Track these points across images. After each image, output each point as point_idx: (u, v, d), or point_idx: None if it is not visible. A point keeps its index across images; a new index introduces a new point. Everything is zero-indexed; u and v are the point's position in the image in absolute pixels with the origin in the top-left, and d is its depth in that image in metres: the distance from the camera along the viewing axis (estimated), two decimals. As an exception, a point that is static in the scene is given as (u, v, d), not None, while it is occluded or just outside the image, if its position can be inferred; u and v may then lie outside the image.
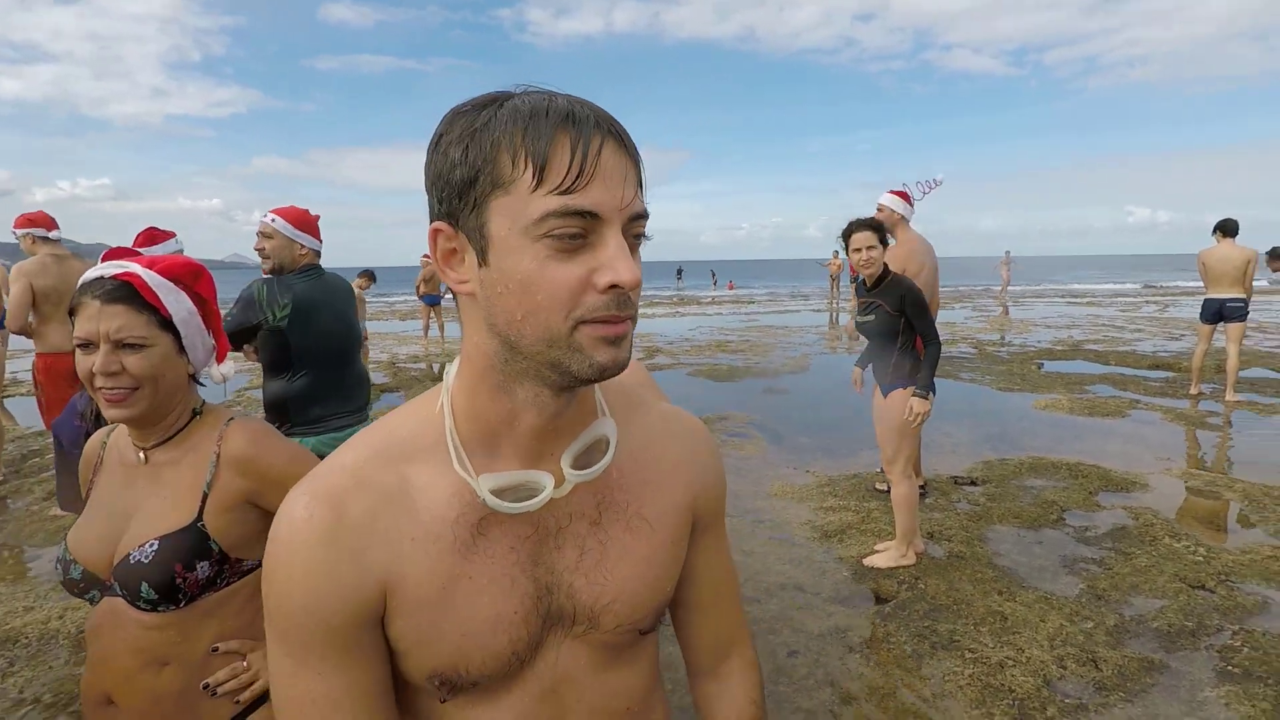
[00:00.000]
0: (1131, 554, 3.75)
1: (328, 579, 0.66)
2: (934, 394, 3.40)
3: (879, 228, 3.50)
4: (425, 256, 10.72)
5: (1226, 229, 7.37)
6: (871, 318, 3.54)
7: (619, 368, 0.65)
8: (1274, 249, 8.12)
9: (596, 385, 0.78)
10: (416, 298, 14.07)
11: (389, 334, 16.00)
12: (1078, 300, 24.39)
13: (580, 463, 0.73)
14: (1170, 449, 5.76)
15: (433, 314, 13.81)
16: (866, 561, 3.73)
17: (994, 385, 8.55)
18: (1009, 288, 20.58)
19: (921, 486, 4.76)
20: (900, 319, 3.45)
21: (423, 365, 11.04)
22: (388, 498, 0.69)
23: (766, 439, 6.33)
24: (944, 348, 11.97)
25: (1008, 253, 21.31)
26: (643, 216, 0.65)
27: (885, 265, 3.51)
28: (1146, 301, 23.24)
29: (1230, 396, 7.41)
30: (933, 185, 4.52)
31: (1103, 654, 2.85)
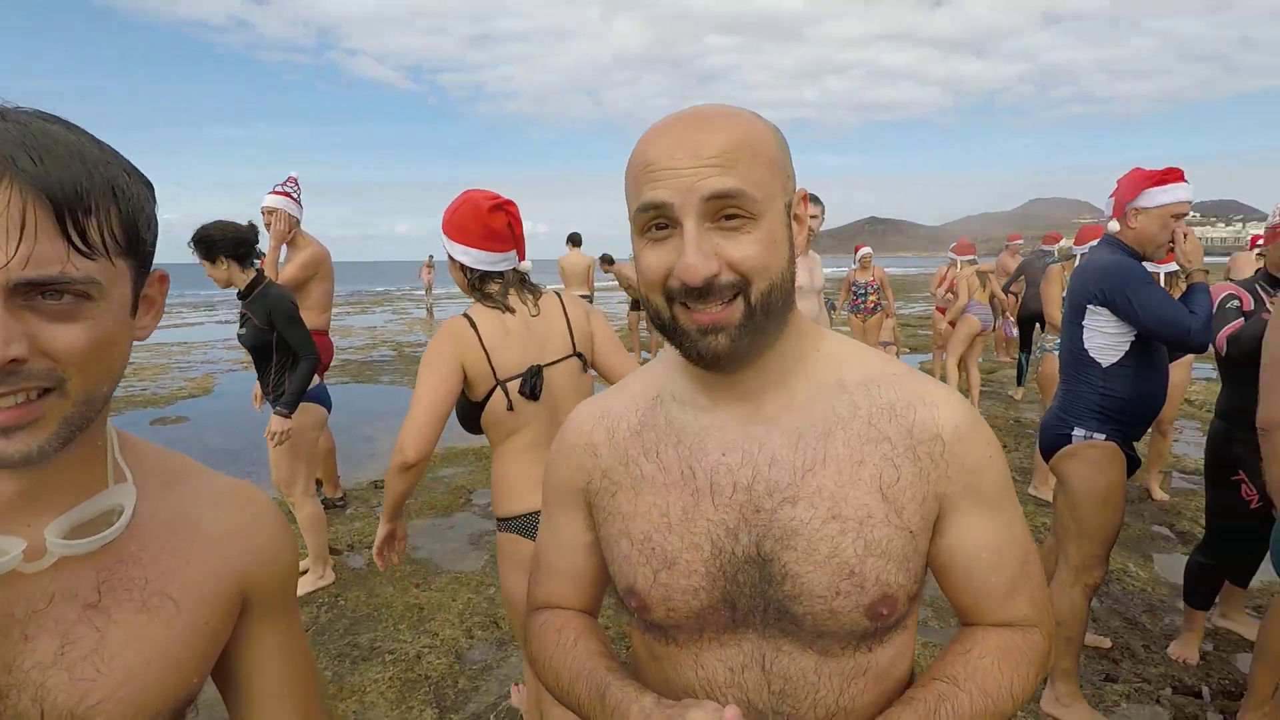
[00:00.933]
0: (522, 518, 4.41)
1: None
2: (328, 409, 3.35)
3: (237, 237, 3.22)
4: None
5: (575, 240, 9.30)
6: (244, 331, 3.28)
7: None
8: (603, 255, 10.63)
9: (116, 454, 0.67)
10: None
11: None
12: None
13: (78, 534, 0.61)
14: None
15: None
16: None
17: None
18: (433, 291, 22.06)
19: (340, 498, 4.68)
20: (271, 333, 3.23)
21: None
22: None
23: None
24: (366, 352, 12.12)
25: (431, 257, 22.84)
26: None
27: (259, 273, 3.26)
28: (533, 300, 27.86)
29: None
30: (292, 186, 4.32)
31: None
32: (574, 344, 1.90)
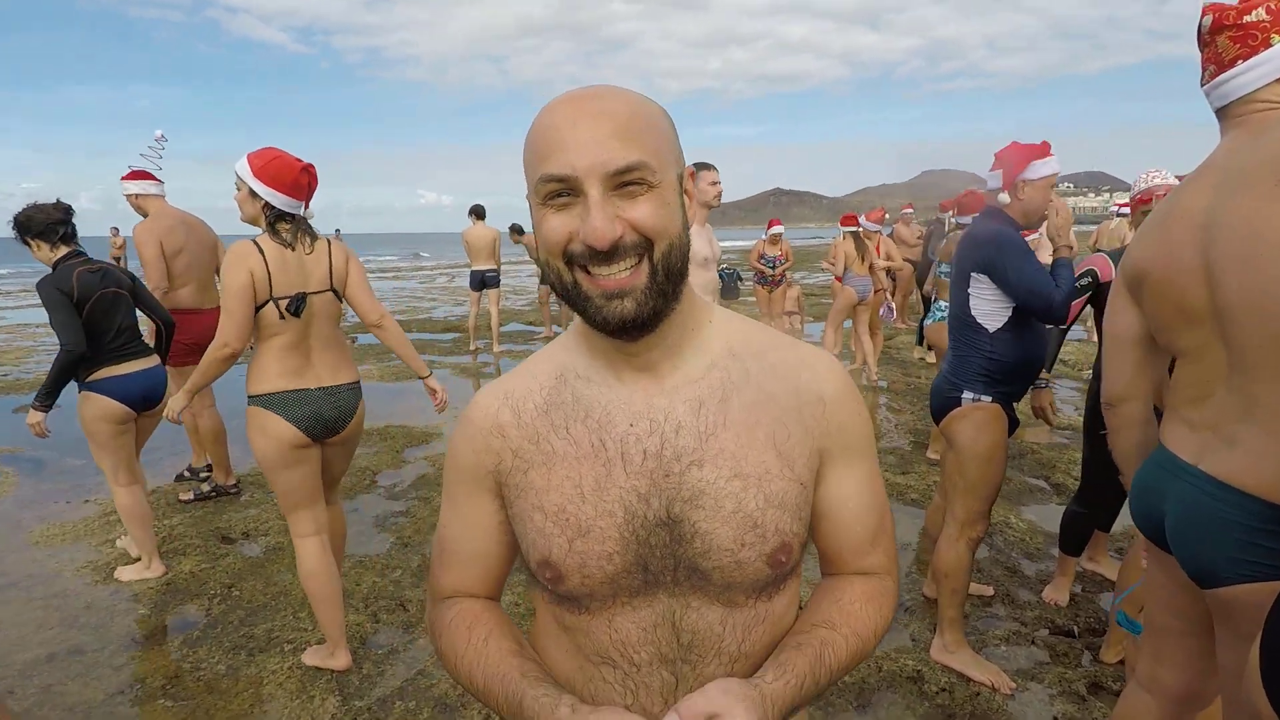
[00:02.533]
0: (430, 498, 4.30)
1: None
2: (145, 398, 3.29)
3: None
4: None
5: (478, 213, 9.03)
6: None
7: None
8: (513, 225, 10.38)
9: None
10: None
11: None
12: (386, 275, 26.73)
13: None
14: (458, 398, 6.77)
15: None
16: (117, 575, 3.41)
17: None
18: None
19: (234, 484, 4.43)
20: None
21: None
22: None
23: (22, 471, 4.90)
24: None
25: (337, 231, 21.70)
26: None
27: (71, 253, 3.18)
28: (440, 273, 27.09)
29: (496, 348, 9.26)
30: (158, 144, 4.19)
31: (408, 595, 3.18)
32: (331, 282, 2.50)
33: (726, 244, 37.69)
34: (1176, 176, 2.84)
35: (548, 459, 0.83)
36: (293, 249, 2.39)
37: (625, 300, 0.73)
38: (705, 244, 3.96)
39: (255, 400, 2.42)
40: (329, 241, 2.51)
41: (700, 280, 3.96)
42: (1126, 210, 8.52)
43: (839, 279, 7.13)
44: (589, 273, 0.74)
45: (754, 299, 9.51)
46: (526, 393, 0.87)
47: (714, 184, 3.84)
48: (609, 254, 0.71)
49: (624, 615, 0.82)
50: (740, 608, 0.83)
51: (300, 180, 2.38)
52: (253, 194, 2.36)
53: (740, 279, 8.02)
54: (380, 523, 3.99)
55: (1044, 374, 2.78)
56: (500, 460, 0.86)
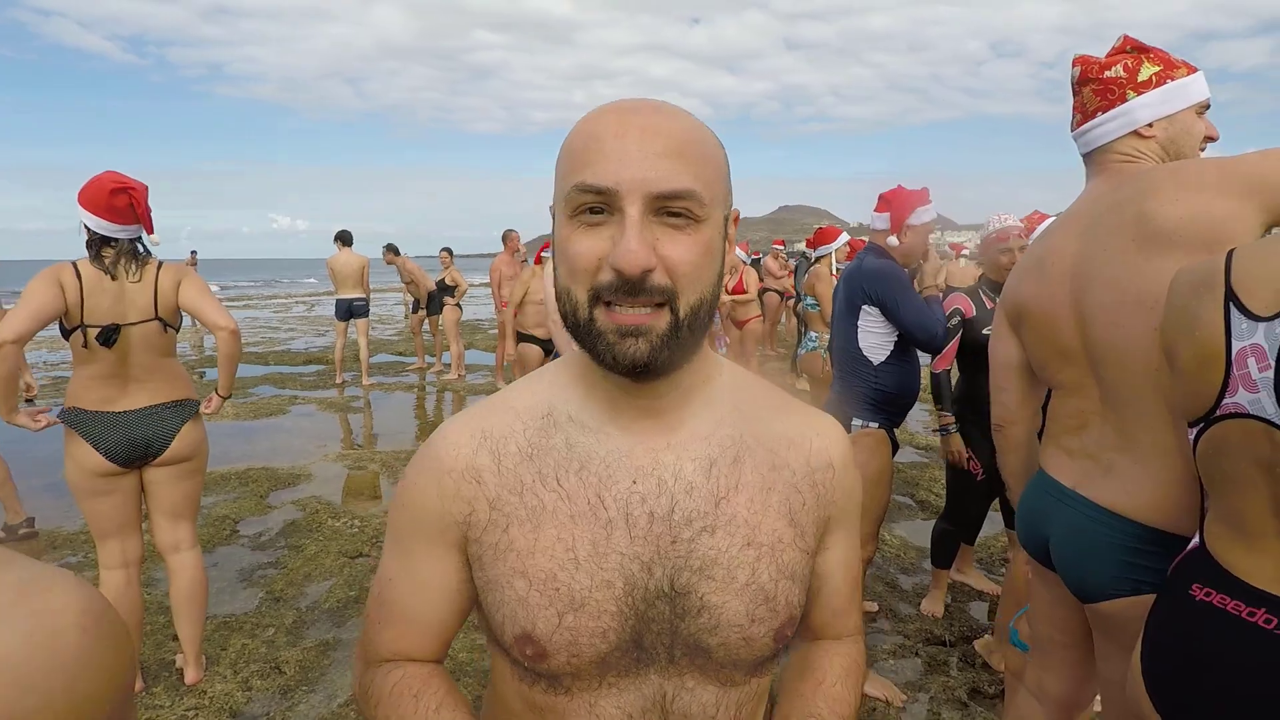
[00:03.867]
0: (303, 546, 3.98)
1: None
2: None
3: None
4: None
5: (345, 239, 8.59)
6: None
7: None
8: (388, 245, 9.90)
9: None
10: None
11: None
12: (235, 304, 24.78)
13: None
14: (326, 436, 6.42)
15: None
16: None
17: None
18: None
19: (25, 523, 4.09)
20: None
21: None
22: None
23: None
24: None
25: (194, 254, 19.76)
26: None
27: None
28: (297, 302, 25.47)
29: (366, 381, 8.80)
30: None
31: (284, 656, 2.91)
32: (157, 310, 2.39)
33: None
34: (1021, 219, 3.19)
35: (534, 515, 0.72)
36: (114, 277, 2.31)
37: (639, 340, 0.65)
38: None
39: (65, 416, 2.35)
40: (159, 266, 2.42)
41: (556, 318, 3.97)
42: (965, 251, 9.47)
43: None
44: (608, 307, 0.66)
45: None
46: (508, 433, 0.76)
47: None
48: (635, 285, 0.63)
49: (609, 698, 0.73)
50: (737, 686, 0.75)
51: (114, 202, 2.27)
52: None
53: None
54: (246, 577, 3.64)
55: (947, 418, 2.96)
56: (473, 511, 0.74)
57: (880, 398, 2.55)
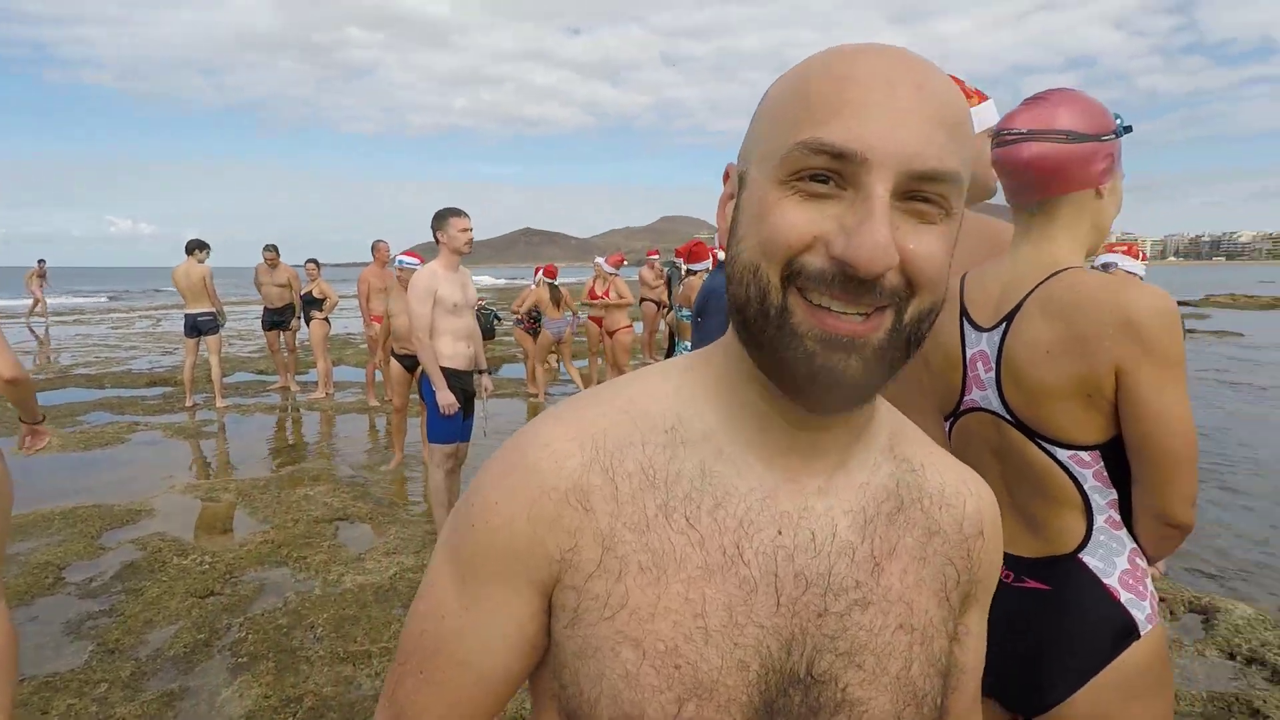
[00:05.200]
0: (143, 589, 3.63)
1: None
2: None
3: None
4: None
5: (190, 247, 7.95)
6: None
7: None
8: (268, 245, 9.15)
9: None
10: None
11: None
12: (65, 319, 22.22)
13: None
14: (174, 465, 5.90)
15: None
16: None
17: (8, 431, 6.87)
18: (46, 305, 17.22)
19: None
20: None
21: None
22: None
23: None
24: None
25: (41, 262, 17.50)
26: None
27: None
28: (141, 317, 23.26)
29: (220, 403, 8.16)
30: None
31: (119, 713, 2.64)
32: None
33: (478, 280, 37.35)
34: None
35: (660, 562, 0.54)
36: None
37: (851, 357, 0.49)
38: (459, 289, 3.91)
39: None
40: None
41: (453, 326, 3.88)
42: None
43: (528, 325, 8.51)
44: (810, 301, 0.50)
45: (511, 339, 9.61)
46: (623, 444, 0.57)
47: (464, 230, 3.84)
48: (861, 284, 0.48)
49: None
50: None
51: None
52: None
53: (498, 319, 7.97)
54: (73, 629, 3.28)
55: None
56: (575, 548, 0.55)
57: None
